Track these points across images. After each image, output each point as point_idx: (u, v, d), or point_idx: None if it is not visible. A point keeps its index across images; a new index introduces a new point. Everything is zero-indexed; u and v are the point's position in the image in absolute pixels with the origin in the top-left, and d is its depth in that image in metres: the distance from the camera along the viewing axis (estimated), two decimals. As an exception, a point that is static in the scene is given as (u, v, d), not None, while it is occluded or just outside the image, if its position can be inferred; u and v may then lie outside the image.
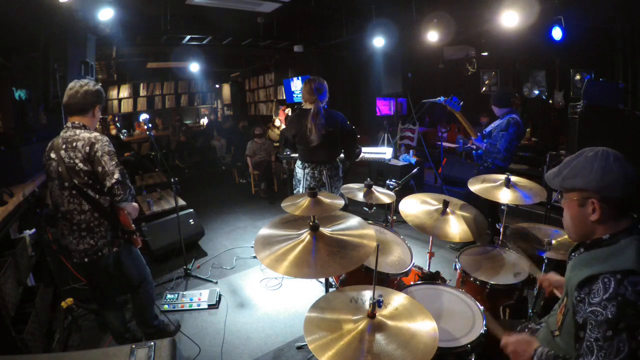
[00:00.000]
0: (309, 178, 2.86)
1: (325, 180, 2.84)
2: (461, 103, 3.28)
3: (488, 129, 3.43)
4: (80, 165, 1.81)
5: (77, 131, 1.86)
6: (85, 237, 1.89)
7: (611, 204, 1.04)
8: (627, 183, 1.01)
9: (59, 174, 1.84)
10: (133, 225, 2.04)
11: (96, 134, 1.87)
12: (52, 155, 1.86)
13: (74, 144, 1.82)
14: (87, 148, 1.80)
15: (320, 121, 2.67)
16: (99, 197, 1.88)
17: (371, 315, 1.18)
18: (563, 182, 1.12)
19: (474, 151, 3.56)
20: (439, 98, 3.41)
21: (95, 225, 1.89)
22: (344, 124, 2.80)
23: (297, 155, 2.97)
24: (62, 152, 1.82)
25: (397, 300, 1.31)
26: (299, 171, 2.95)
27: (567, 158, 1.15)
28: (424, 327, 1.18)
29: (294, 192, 3.00)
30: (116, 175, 1.80)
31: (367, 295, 1.32)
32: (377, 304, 1.18)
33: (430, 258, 2.31)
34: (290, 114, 7.91)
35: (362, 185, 2.34)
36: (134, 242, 2.05)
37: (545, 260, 1.85)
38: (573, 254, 1.24)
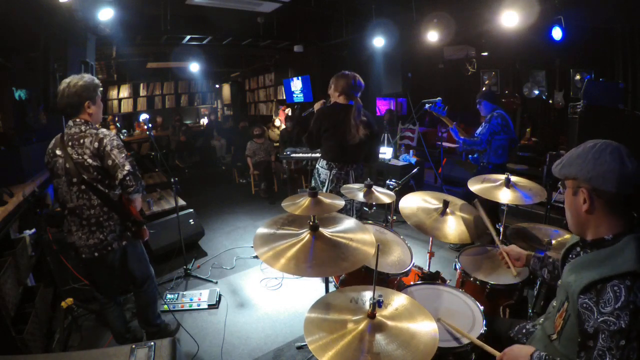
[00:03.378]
0: (335, 180, 2.67)
1: (351, 181, 2.68)
2: (446, 108, 3.36)
3: (477, 131, 3.45)
4: (90, 161, 1.82)
5: (83, 128, 1.87)
6: (95, 232, 1.90)
7: (603, 198, 1.02)
8: (621, 178, 0.99)
9: (66, 170, 1.84)
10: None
11: (103, 129, 1.90)
12: (58, 152, 1.86)
13: (82, 141, 1.83)
14: (96, 144, 1.82)
15: (361, 120, 2.58)
16: (109, 191, 1.89)
17: (371, 316, 1.18)
18: (561, 169, 1.14)
19: (469, 155, 3.57)
20: (425, 106, 3.49)
21: (105, 219, 1.91)
22: (375, 124, 2.71)
23: (303, 154, 2.89)
24: (69, 148, 1.83)
25: (397, 300, 1.31)
26: (323, 172, 2.71)
27: (572, 149, 1.15)
28: (424, 327, 1.18)
29: None
30: (127, 167, 1.83)
31: (367, 295, 1.32)
32: (377, 304, 1.18)
33: (430, 258, 2.31)
34: (290, 114, 7.91)
35: (362, 185, 2.34)
36: (142, 234, 2.04)
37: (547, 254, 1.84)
38: (570, 255, 1.23)
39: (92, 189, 1.85)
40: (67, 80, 1.90)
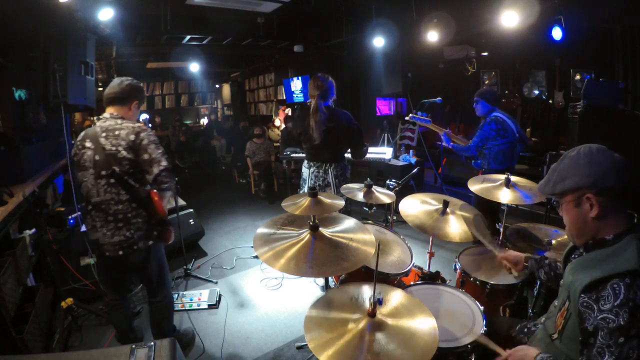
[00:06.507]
0: (313, 178, 2.78)
1: (330, 180, 2.75)
2: (429, 115, 3.39)
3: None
4: (124, 153, 1.80)
5: (119, 121, 1.87)
6: (121, 229, 1.85)
7: (608, 196, 1.03)
8: (617, 171, 1.02)
9: (94, 162, 1.81)
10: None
11: (140, 123, 1.90)
12: (87, 143, 1.84)
13: (117, 132, 1.82)
14: (133, 136, 1.81)
15: (320, 117, 2.61)
16: (139, 186, 1.86)
17: (371, 314, 1.18)
18: (554, 188, 1.12)
19: (472, 161, 3.51)
20: (409, 116, 3.52)
21: (133, 215, 1.86)
22: (350, 122, 2.73)
23: (301, 155, 2.94)
24: (102, 139, 1.81)
25: (396, 297, 1.31)
26: (304, 171, 2.89)
27: (552, 165, 1.14)
28: (424, 325, 1.18)
29: (299, 192, 2.96)
30: (163, 163, 1.84)
31: (367, 293, 1.32)
32: (378, 302, 1.18)
33: (430, 258, 2.31)
34: (290, 114, 7.91)
35: (362, 185, 2.34)
36: (168, 235, 1.97)
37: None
38: (572, 255, 1.24)
39: (122, 183, 1.81)
40: (128, 78, 1.99)
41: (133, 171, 1.83)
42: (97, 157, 1.81)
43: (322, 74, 2.72)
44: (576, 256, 1.21)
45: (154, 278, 2.06)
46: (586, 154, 1.06)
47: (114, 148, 1.80)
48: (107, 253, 1.87)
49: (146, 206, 1.88)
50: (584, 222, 1.08)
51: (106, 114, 1.90)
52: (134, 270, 2.01)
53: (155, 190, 1.87)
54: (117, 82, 1.95)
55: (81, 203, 1.91)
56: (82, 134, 1.90)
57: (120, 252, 1.86)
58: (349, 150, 2.91)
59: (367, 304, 1.23)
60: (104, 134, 1.82)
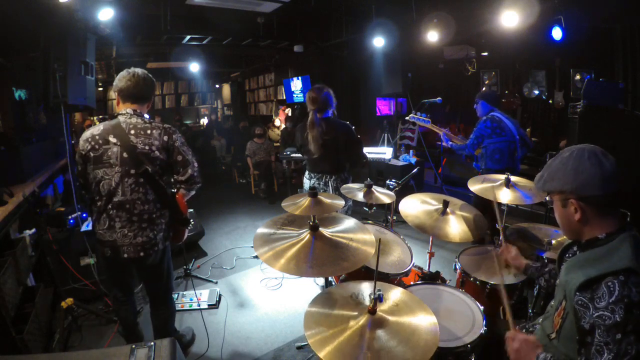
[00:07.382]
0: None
1: (330, 192, 2.75)
2: (429, 116, 3.39)
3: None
4: (157, 153, 1.78)
5: (145, 119, 1.84)
6: (145, 229, 1.79)
7: (592, 203, 1.04)
8: (604, 180, 1.01)
9: (122, 159, 1.73)
10: None
11: (167, 125, 1.89)
12: (112, 139, 1.73)
13: (148, 132, 1.78)
14: (165, 137, 1.80)
15: (316, 132, 2.60)
16: (165, 186, 1.84)
17: (372, 311, 1.18)
18: (544, 185, 1.14)
19: (474, 163, 3.50)
20: (409, 116, 3.50)
21: (157, 216, 1.83)
22: (349, 134, 2.71)
23: (298, 155, 2.95)
24: (132, 137, 1.75)
25: (396, 294, 1.31)
26: (305, 182, 2.91)
27: (549, 160, 1.16)
28: (424, 323, 1.18)
29: None
30: (196, 164, 1.88)
31: (367, 290, 1.32)
32: (378, 299, 1.18)
33: (430, 258, 2.31)
34: (290, 114, 7.91)
35: (362, 185, 2.34)
36: (182, 235, 1.99)
37: (545, 260, 1.84)
38: (566, 254, 1.25)
39: (152, 183, 1.77)
40: (141, 70, 1.86)
41: (162, 172, 1.82)
42: (125, 155, 1.73)
43: (318, 86, 2.69)
44: (570, 255, 1.22)
45: (163, 280, 2.03)
46: (576, 157, 1.06)
47: (147, 147, 1.76)
48: (126, 255, 1.79)
49: (171, 206, 1.87)
50: (568, 222, 1.11)
51: (129, 110, 1.81)
52: (147, 271, 1.96)
53: (179, 191, 1.90)
54: (141, 78, 1.82)
55: (99, 201, 1.77)
56: (101, 127, 1.77)
57: (142, 254, 1.81)
58: None
59: (367, 301, 1.23)
60: (132, 131, 1.75)
